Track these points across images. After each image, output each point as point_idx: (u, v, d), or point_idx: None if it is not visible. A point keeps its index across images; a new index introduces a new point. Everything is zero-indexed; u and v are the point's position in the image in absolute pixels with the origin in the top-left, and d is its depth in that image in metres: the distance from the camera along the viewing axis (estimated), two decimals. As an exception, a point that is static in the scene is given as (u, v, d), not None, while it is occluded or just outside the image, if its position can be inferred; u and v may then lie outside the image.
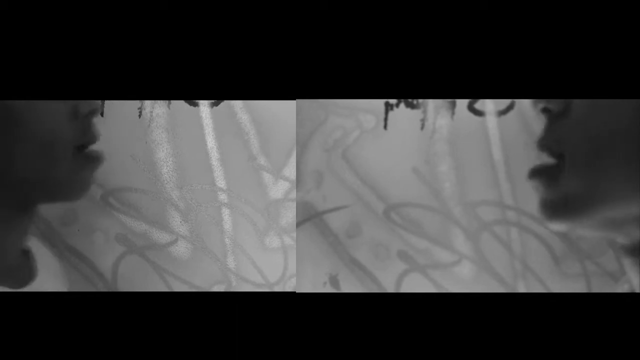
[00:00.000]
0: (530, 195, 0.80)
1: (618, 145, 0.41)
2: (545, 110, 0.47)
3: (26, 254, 0.64)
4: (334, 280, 0.86)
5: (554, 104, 0.46)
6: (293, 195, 0.86)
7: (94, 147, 0.60)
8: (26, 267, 0.63)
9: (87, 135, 0.59)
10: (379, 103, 0.83)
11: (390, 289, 0.85)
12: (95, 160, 0.60)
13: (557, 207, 0.45)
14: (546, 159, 0.46)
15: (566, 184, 0.44)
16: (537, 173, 0.47)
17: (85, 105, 0.58)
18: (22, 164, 0.55)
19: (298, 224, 0.86)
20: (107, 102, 0.84)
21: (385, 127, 0.84)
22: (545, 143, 0.47)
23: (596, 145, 0.42)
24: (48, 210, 0.86)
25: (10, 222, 0.58)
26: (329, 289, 0.86)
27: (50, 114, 0.55)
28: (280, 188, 0.86)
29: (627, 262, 0.45)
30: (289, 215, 0.86)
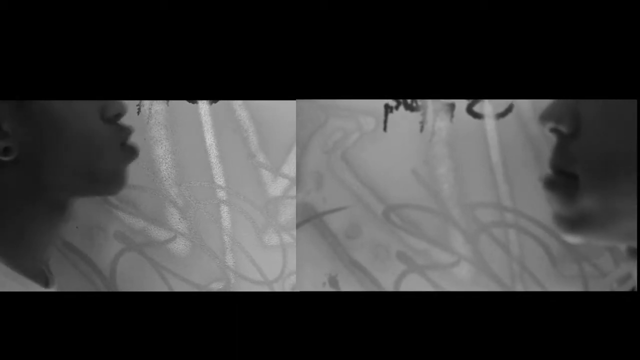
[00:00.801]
0: (528, 197, 0.81)
1: (629, 160, 0.42)
2: (555, 131, 0.48)
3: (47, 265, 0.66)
4: (333, 281, 0.87)
5: (565, 126, 0.47)
6: (292, 192, 0.86)
7: (131, 140, 0.65)
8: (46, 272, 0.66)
9: (123, 132, 0.64)
10: (379, 105, 0.83)
11: (389, 289, 0.85)
12: (133, 153, 0.65)
13: (574, 223, 0.46)
14: (560, 177, 0.47)
15: (582, 201, 0.45)
16: (552, 187, 0.48)
17: (111, 109, 0.62)
18: (59, 162, 0.57)
19: (298, 225, 0.86)
20: (106, 99, 0.84)
21: (384, 129, 0.84)
22: (558, 164, 0.48)
23: (608, 163, 0.43)
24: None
25: (50, 220, 0.60)
26: (328, 290, 0.87)
27: (83, 114, 0.58)
28: (279, 185, 0.86)
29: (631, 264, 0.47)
30: (288, 212, 0.86)
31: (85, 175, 0.60)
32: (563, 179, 0.47)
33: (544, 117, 0.48)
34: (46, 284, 0.63)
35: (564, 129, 0.47)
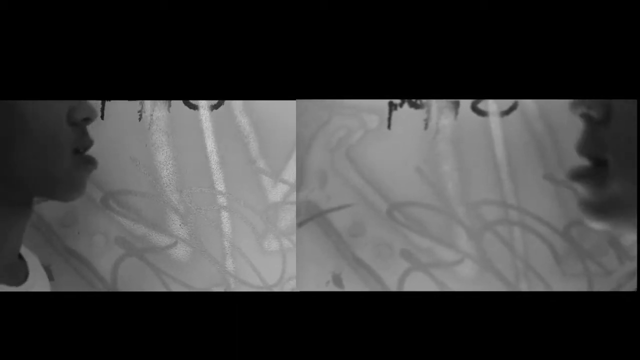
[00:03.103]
0: (533, 195, 0.81)
1: None
2: (585, 116, 0.48)
3: (20, 257, 0.64)
4: (337, 279, 0.86)
5: (596, 111, 0.46)
6: (292, 198, 0.86)
7: (89, 152, 0.61)
8: (22, 266, 0.64)
9: (83, 140, 0.60)
10: (383, 103, 0.84)
11: (393, 287, 0.85)
12: (90, 163, 0.61)
13: (601, 209, 0.46)
14: (586, 163, 0.47)
15: (609, 187, 0.45)
16: (579, 176, 0.47)
17: (80, 112, 0.58)
18: (21, 161, 0.55)
19: (301, 223, 0.86)
20: (107, 104, 0.84)
21: (389, 126, 0.84)
22: (586, 149, 0.47)
23: (636, 149, 0.43)
24: (48, 212, 0.86)
25: (8, 220, 0.58)
26: (332, 288, 0.86)
27: (50, 115, 0.56)
28: (279, 191, 0.86)
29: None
30: (288, 218, 0.86)
31: (45, 177, 0.57)
32: (592, 166, 0.47)
33: (576, 103, 0.48)
34: (19, 281, 0.61)
35: (594, 114, 0.47)
